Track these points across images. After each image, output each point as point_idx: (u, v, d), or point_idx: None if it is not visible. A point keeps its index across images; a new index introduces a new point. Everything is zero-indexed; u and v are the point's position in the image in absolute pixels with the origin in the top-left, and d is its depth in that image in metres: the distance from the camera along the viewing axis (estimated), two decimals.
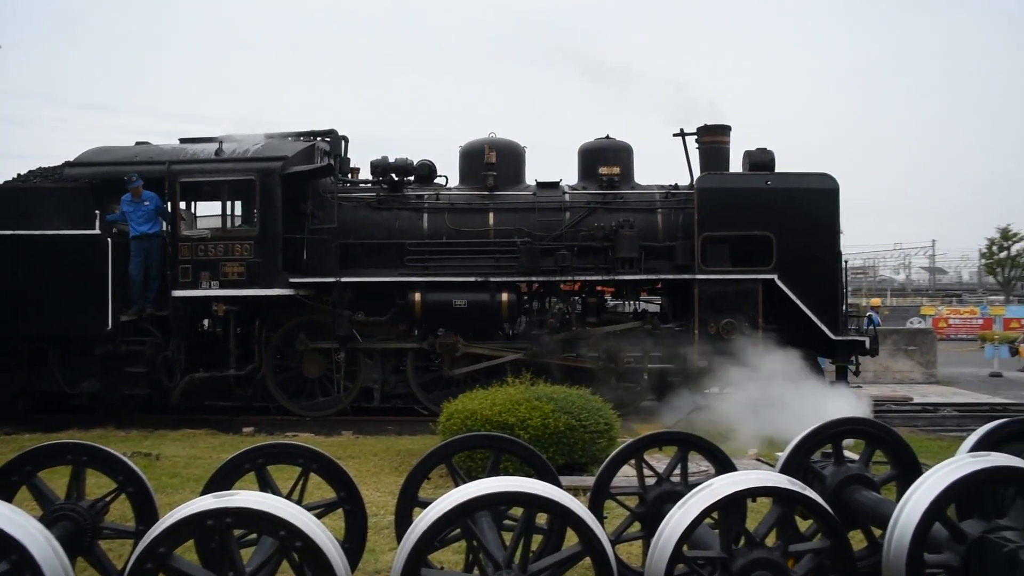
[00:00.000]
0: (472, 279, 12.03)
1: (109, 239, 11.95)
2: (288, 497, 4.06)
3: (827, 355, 12.34)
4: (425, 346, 12.28)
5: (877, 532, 4.34)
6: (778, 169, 12.55)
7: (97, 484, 4.60)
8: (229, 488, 4.20)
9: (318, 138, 12.89)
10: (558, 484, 4.00)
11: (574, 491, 6.55)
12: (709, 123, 12.89)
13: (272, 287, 11.94)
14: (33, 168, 13.31)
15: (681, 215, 12.47)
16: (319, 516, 3.82)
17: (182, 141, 13.02)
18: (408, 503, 4.52)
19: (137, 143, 13.21)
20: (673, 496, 4.24)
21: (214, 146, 12.41)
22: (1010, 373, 19.18)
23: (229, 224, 12.67)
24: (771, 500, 3.69)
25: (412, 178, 12.87)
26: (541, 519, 3.86)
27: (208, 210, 13.55)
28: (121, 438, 10.56)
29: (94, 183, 12.27)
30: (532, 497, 3.35)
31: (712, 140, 12.92)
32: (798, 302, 11.76)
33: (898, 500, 4.20)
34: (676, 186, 12.86)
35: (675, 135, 13.14)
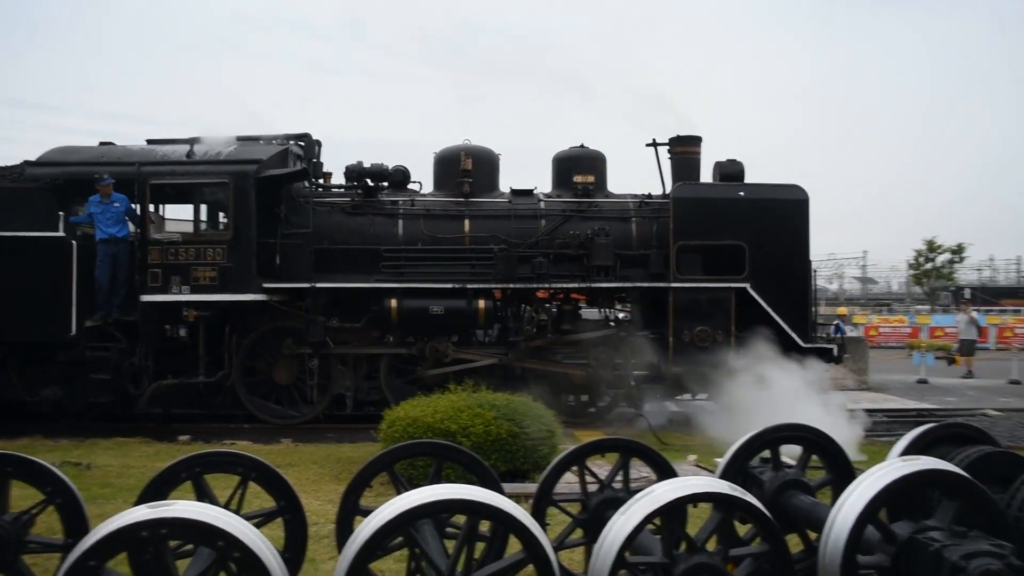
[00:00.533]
0: (449, 286, 12.01)
1: (74, 241, 11.61)
2: (226, 507, 4.04)
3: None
4: (414, 351, 12.16)
5: (813, 535, 4.46)
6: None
7: (23, 496, 4.39)
8: (164, 498, 4.09)
9: (291, 141, 12.72)
10: (501, 491, 4.03)
11: (517, 498, 6.65)
12: (681, 134, 13.13)
13: (245, 292, 11.73)
14: None
15: (655, 224, 12.65)
16: (258, 526, 3.80)
17: (149, 142, 12.72)
18: (349, 511, 4.50)
19: (101, 143, 12.86)
20: (615, 502, 4.30)
21: (184, 148, 12.16)
22: (935, 379, 19.84)
23: (201, 228, 12.36)
24: (711, 505, 3.77)
25: (386, 184, 12.79)
26: (484, 526, 3.89)
27: (176, 213, 13.26)
28: (50, 447, 10.14)
29: (57, 183, 11.90)
30: (476, 504, 3.35)
31: (684, 151, 13.17)
32: (769, 310, 12.03)
33: (833, 504, 4.37)
34: (650, 195, 13.04)
35: (648, 145, 13.36)
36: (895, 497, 3.68)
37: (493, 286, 12.13)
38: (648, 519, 3.49)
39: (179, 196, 12.47)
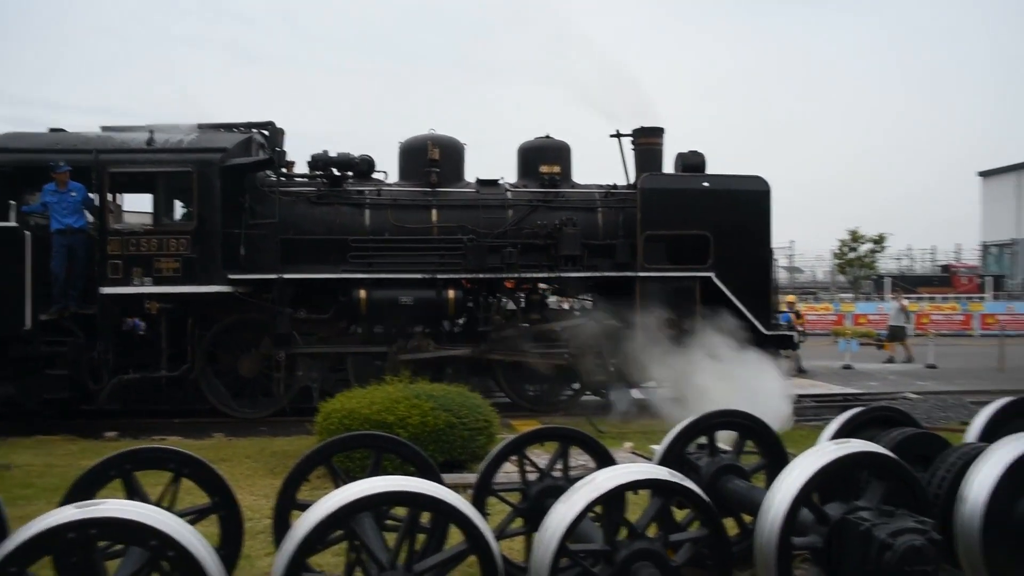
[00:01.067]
0: (419, 276, 11.95)
1: (27, 232, 11.17)
2: (158, 504, 3.95)
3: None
4: (394, 349, 12.01)
5: (748, 519, 4.57)
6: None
7: None
8: (92, 498, 3.91)
9: (254, 130, 12.45)
10: (441, 482, 4.07)
11: (456, 488, 6.74)
12: (645, 125, 13.29)
13: (210, 284, 11.47)
14: None
15: (621, 214, 12.79)
16: (192, 523, 3.76)
17: (104, 129, 12.28)
18: (286, 506, 4.44)
19: (51, 130, 12.36)
20: (555, 491, 4.35)
21: (143, 135, 11.79)
22: (860, 365, 20.50)
23: (163, 218, 12.00)
24: (651, 492, 3.82)
25: (351, 173, 12.62)
26: (425, 518, 3.88)
27: (133, 203, 12.87)
28: None
29: (6, 171, 11.43)
30: (417, 496, 3.32)
31: (647, 142, 13.33)
32: (733, 299, 12.30)
33: (767, 488, 4.51)
34: (615, 186, 13.18)
35: (612, 136, 13.52)
36: (828, 479, 3.79)
37: (463, 276, 12.11)
38: (589, 507, 3.50)
39: (139, 185, 12.08)
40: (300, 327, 12.02)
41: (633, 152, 13.44)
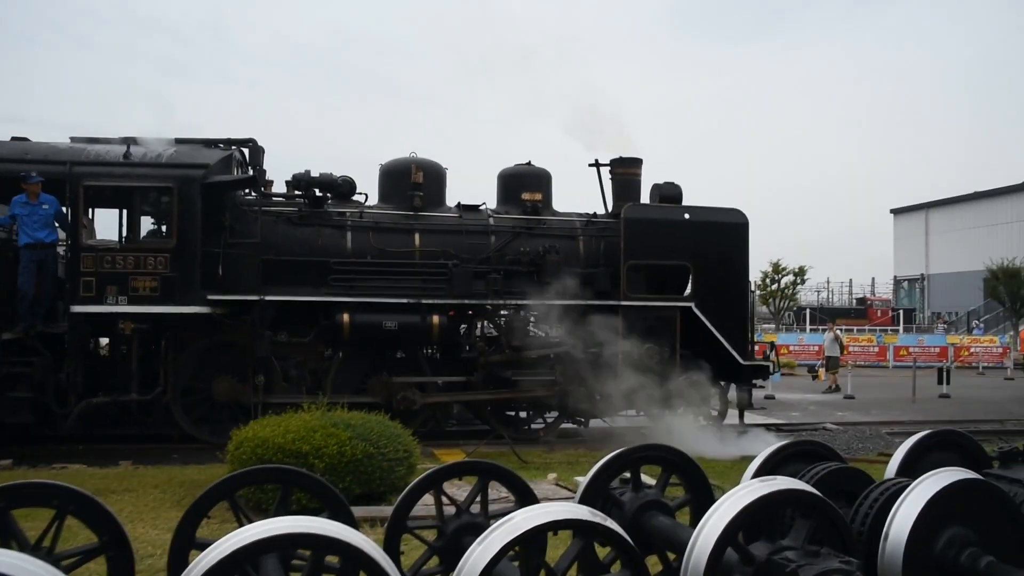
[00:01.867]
0: (404, 300, 11.78)
1: None
2: (38, 545, 3.75)
3: (732, 379, 13.09)
4: (379, 400, 11.69)
5: (672, 556, 4.52)
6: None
7: None
8: None
9: (234, 147, 12.12)
10: (351, 518, 4.00)
11: (371, 521, 6.77)
12: (623, 156, 13.47)
13: (189, 304, 11.06)
14: None
15: (602, 243, 12.90)
16: (76, 565, 3.57)
17: (73, 140, 11.79)
18: (184, 545, 4.16)
19: (14, 139, 11.80)
20: (473, 528, 4.26)
21: (118, 148, 11.35)
22: (781, 395, 21.02)
23: (139, 235, 11.52)
24: (572, 532, 3.72)
25: (330, 195, 12.40)
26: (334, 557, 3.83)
27: (103, 218, 12.36)
28: None
29: None
30: (321, 539, 3.16)
31: (625, 172, 13.51)
32: (712, 329, 12.51)
33: (691, 524, 4.53)
34: (595, 215, 13.28)
35: (590, 165, 13.67)
36: (753, 518, 3.73)
37: (450, 301, 11.99)
38: (506, 549, 3.36)
39: (114, 200, 11.62)
40: (279, 350, 11.70)
41: (611, 181, 13.60)
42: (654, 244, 12.56)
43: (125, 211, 11.80)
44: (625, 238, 12.40)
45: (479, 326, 12.60)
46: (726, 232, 12.88)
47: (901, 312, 54.02)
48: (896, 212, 66.24)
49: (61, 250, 11.40)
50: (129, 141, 11.49)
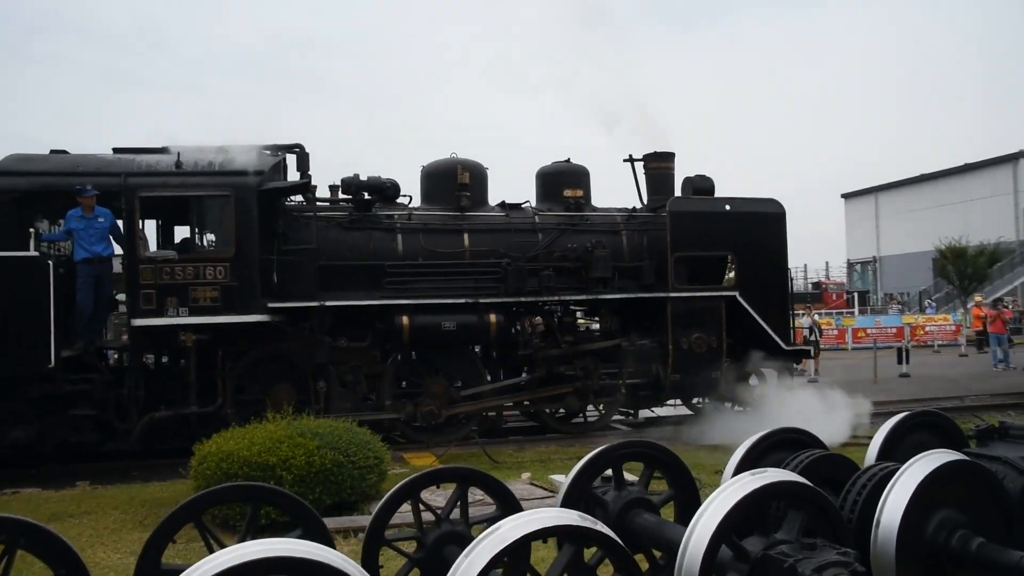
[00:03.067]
0: (461, 301, 11.83)
1: (50, 262, 10.37)
2: None
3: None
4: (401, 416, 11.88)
5: (658, 554, 4.49)
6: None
7: None
8: None
9: (281, 153, 12.00)
10: (325, 532, 3.91)
11: (344, 532, 6.68)
12: (657, 151, 13.71)
13: (250, 313, 10.94)
14: None
15: (645, 237, 13.10)
16: None
17: (116, 151, 11.55)
18: (149, 571, 3.92)
19: (53, 151, 11.52)
20: (454, 537, 4.18)
21: (168, 157, 11.16)
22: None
23: (200, 244, 11.37)
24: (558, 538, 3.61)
25: (377, 198, 12.37)
26: None
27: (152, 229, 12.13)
28: None
29: (23, 195, 10.58)
30: (300, 563, 2.98)
31: (659, 166, 13.76)
32: (756, 317, 12.80)
33: (676, 520, 4.59)
34: (635, 209, 13.49)
35: (625, 160, 13.87)
36: (747, 513, 3.61)
37: (506, 300, 12.06)
38: (495, 561, 3.21)
39: (169, 210, 11.43)
40: (336, 355, 11.65)
41: (645, 176, 13.82)
42: (699, 236, 12.80)
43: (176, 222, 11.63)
44: (671, 231, 12.59)
45: (532, 323, 12.68)
46: (765, 222, 13.18)
47: (856, 295, 55.39)
48: (847, 196, 67.96)
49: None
50: (176, 150, 11.31)
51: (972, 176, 58.18)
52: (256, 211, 10.99)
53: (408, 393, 12.07)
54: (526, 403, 12.71)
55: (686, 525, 3.79)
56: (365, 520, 6.72)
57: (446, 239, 12.35)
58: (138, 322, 10.64)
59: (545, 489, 8.47)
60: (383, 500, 4.38)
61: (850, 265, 66.19)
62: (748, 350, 12.76)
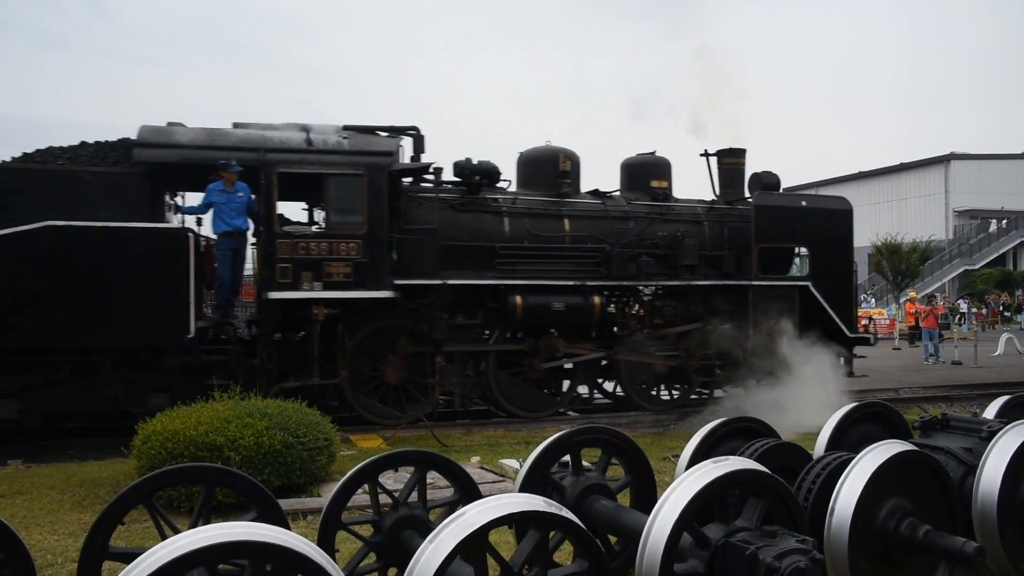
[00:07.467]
0: (570, 283, 12.39)
1: (190, 234, 10.51)
2: None
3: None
4: (525, 347, 12.44)
5: (614, 539, 4.57)
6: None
7: None
8: None
9: (399, 135, 12.29)
10: (280, 515, 3.91)
11: (293, 515, 6.48)
12: (732, 147, 14.51)
13: (379, 289, 11.29)
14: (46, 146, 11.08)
15: (725, 228, 13.87)
16: None
17: (236, 126, 11.66)
18: (96, 554, 3.73)
19: (170, 123, 11.56)
20: (412, 521, 4.16)
21: (297, 135, 11.37)
22: None
23: (329, 220, 11.56)
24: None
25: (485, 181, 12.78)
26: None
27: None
28: None
29: (155, 168, 10.66)
30: (263, 547, 2.87)
31: (732, 161, 14.57)
32: (826, 306, 13.73)
33: (632, 506, 4.68)
34: (715, 201, 14.26)
35: (701, 155, 14.64)
36: (708, 501, 3.64)
37: (610, 283, 12.68)
38: (460, 547, 3.14)
39: (299, 187, 11.61)
40: (452, 332, 12.07)
41: (719, 170, 14.60)
42: (780, 229, 13.64)
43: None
44: (756, 223, 13.39)
45: (629, 305, 13.33)
46: (835, 218, 14.11)
47: None
48: (787, 191, 70.30)
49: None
50: (302, 128, 11.52)
51: (907, 175, 61.20)
52: (386, 191, 11.31)
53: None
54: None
55: (643, 511, 3.88)
56: (315, 502, 6.96)
57: (548, 223, 12.85)
58: (274, 294, 10.87)
59: (495, 473, 8.41)
60: (340, 483, 4.30)
61: None
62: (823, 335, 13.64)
